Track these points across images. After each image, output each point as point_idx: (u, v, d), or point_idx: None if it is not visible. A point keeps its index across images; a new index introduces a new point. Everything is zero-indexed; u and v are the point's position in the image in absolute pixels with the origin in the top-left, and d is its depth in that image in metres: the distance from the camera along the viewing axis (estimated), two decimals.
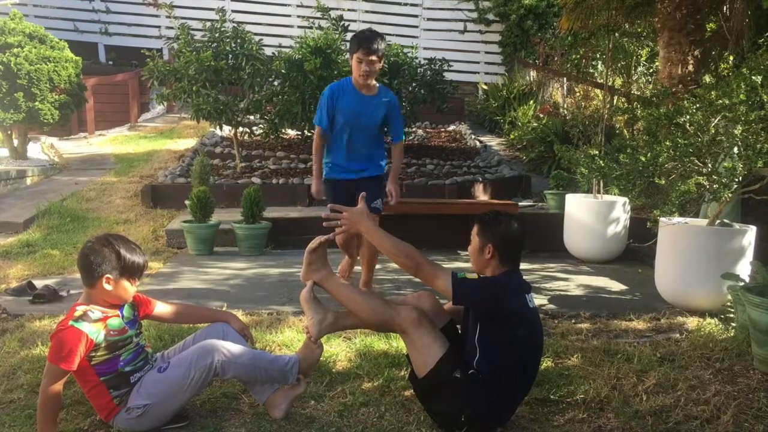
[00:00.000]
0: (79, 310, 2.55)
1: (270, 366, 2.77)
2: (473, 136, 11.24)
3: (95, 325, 2.53)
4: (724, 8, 7.32)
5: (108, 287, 2.57)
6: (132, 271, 2.63)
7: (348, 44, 8.95)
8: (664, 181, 4.35)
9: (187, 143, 10.37)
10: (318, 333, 2.84)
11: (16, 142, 9.61)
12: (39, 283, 4.72)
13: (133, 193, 8.06)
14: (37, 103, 8.94)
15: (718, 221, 4.49)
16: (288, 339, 3.68)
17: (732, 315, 4.20)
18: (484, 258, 2.69)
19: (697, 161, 4.29)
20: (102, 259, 2.57)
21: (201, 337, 2.93)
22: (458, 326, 2.90)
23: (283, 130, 8.99)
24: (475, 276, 2.66)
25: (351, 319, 2.86)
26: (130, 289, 2.65)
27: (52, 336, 2.52)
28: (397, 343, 3.53)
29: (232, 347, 2.73)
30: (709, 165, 4.29)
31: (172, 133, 11.36)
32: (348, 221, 2.81)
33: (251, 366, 2.74)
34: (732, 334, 3.91)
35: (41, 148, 10.59)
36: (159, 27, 13.35)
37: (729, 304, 4.34)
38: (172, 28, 8.60)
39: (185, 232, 6.08)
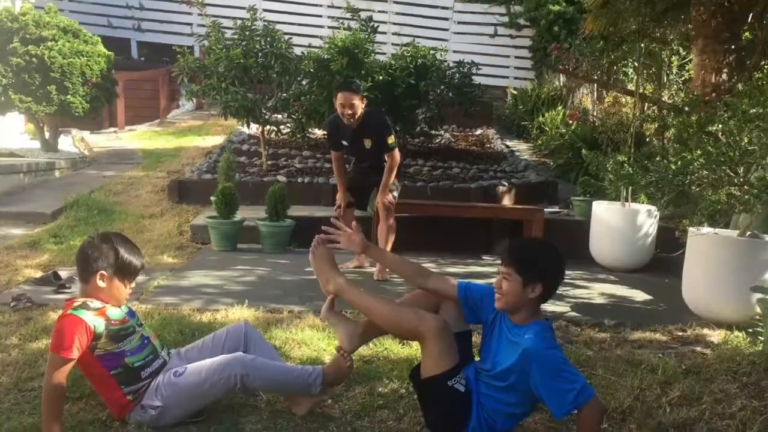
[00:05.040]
0: (78, 301, 2.58)
1: (293, 381, 2.75)
2: (500, 141, 11.16)
3: (94, 314, 2.54)
4: (750, 18, 7.17)
5: (101, 284, 2.59)
6: (126, 272, 2.64)
7: (377, 45, 8.99)
8: (694, 189, 4.27)
9: (215, 140, 10.44)
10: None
11: (47, 135, 9.75)
12: (64, 274, 4.77)
13: (159, 187, 8.12)
14: (69, 97, 9.06)
15: (748, 233, 4.40)
16: (308, 337, 3.67)
17: (761, 329, 4.11)
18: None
19: (729, 171, 4.20)
20: (99, 254, 2.59)
21: (220, 336, 2.92)
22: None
23: (310, 130, 9.00)
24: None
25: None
26: (123, 289, 2.66)
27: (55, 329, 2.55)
28: (415, 344, 3.50)
29: (253, 363, 2.69)
30: (741, 175, 4.21)
31: (201, 130, 11.44)
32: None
33: (273, 380, 2.73)
34: (760, 348, 3.82)
35: (72, 141, 10.73)
36: (191, 24, 13.45)
37: (758, 317, 4.25)
38: (203, 25, 8.66)
39: (209, 227, 6.11)
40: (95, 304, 2.58)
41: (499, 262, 2.58)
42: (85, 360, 2.54)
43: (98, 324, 2.54)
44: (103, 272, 2.59)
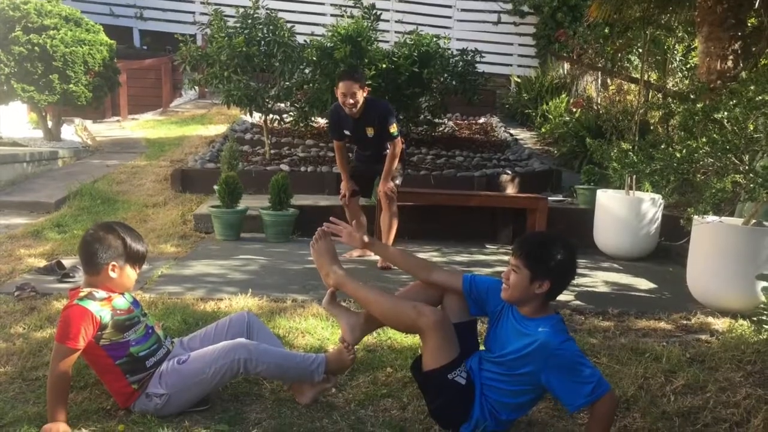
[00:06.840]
0: (84, 291, 2.58)
1: (295, 367, 2.76)
2: (504, 129, 11.13)
3: (101, 304, 2.54)
4: (756, 4, 7.12)
5: (113, 275, 2.59)
6: (135, 259, 2.66)
7: (380, 33, 8.96)
8: (699, 177, 4.25)
9: (218, 129, 10.42)
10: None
11: (50, 124, 9.74)
12: (67, 263, 4.78)
13: (162, 177, 8.12)
14: (71, 86, 9.04)
15: (753, 221, 4.38)
16: (311, 326, 3.67)
17: (765, 317, 4.09)
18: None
19: (734, 158, 4.18)
20: (107, 246, 2.59)
21: (223, 325, 2.93)
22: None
23: (313, 118, 8.97)
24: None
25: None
26: (132, 276, 2.67)
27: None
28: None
29: (257, 348, 2.70)
30: (747, 163, 4.18)
31: (204, 119, 11.43)
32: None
33: (275, 365, 2.73)
34: (765, 337, 3.80)
35: (75, 131, 10.73)
36: (193, 13, 13.40)
37: (762, 305, 4.22)
38: (205, 14, 8.62)
39: (213, 217, 6.10)
40: (101, 294, 2.58)
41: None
42: (90, 350, 2.55)
43: (104, 314, 2.54)
44: (115, 263, 2.60)
